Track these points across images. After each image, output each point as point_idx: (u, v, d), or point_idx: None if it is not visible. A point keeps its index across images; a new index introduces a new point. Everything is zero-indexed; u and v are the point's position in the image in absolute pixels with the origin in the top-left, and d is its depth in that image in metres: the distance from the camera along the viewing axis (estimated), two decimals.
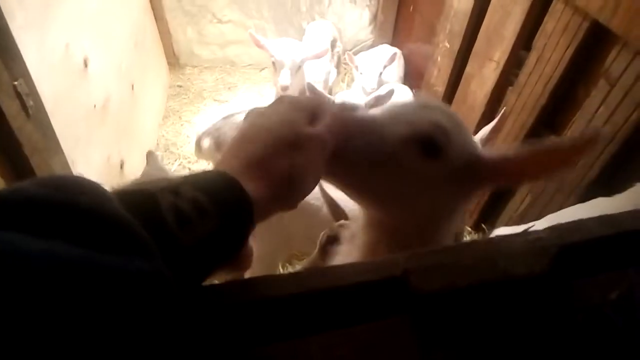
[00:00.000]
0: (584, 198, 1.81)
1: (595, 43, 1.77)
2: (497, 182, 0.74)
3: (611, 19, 1.61)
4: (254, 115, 0.57)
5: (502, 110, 1.91)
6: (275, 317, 0.49)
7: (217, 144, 2.30)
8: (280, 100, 0.58)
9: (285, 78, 2.55)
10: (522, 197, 2.26)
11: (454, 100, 2.85)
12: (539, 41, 2.04)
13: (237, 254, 0.47)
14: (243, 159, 0.50)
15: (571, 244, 0.53)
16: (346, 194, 0.72)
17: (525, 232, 0.62)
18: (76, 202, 0.34)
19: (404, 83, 3.60)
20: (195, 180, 0.45)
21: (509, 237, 0.53)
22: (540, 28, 2.02)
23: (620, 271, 0.57)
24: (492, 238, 0.57)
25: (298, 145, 0.51)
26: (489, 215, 2.58)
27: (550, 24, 1.95)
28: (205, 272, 0.45)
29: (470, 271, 0.47)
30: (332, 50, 3.29)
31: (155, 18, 3.54)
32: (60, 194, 0.35)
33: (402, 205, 0.71)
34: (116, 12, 2.59)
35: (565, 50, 1.88)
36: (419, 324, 0.47)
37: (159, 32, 3.62)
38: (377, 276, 0.49)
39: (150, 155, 2.03)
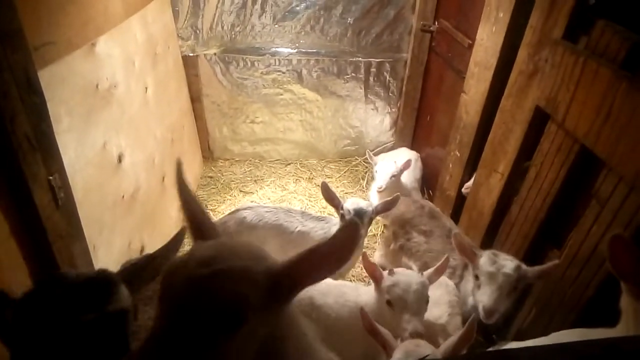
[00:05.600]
0: (583, 315, 1.77)
1: (586, 164, 1.84)
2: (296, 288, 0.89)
3: (595, 144, 1.70)
4: None
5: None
6: None
7: None
8: None
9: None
10: (528, 309, 2.21)
11: (465, 206, 2.91)
12: (536, 158, 2.13)
13: None
14: None
15: None
16: None
17: None
18: None
19: (422, 184, 3.73)
20: None
21: None
22: (538, 147, 2.13)
23: None
24: None
25: None
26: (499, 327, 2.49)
27: (546, 144, 2.05)
28: None
29: None
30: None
31: (195, 118, 3.94)
32: None
33: None
34: (156, 114, 2.93)
35: (560, 169, 1.95)
36: None
37: (197, 129, 4.00)
38: None
39: None
